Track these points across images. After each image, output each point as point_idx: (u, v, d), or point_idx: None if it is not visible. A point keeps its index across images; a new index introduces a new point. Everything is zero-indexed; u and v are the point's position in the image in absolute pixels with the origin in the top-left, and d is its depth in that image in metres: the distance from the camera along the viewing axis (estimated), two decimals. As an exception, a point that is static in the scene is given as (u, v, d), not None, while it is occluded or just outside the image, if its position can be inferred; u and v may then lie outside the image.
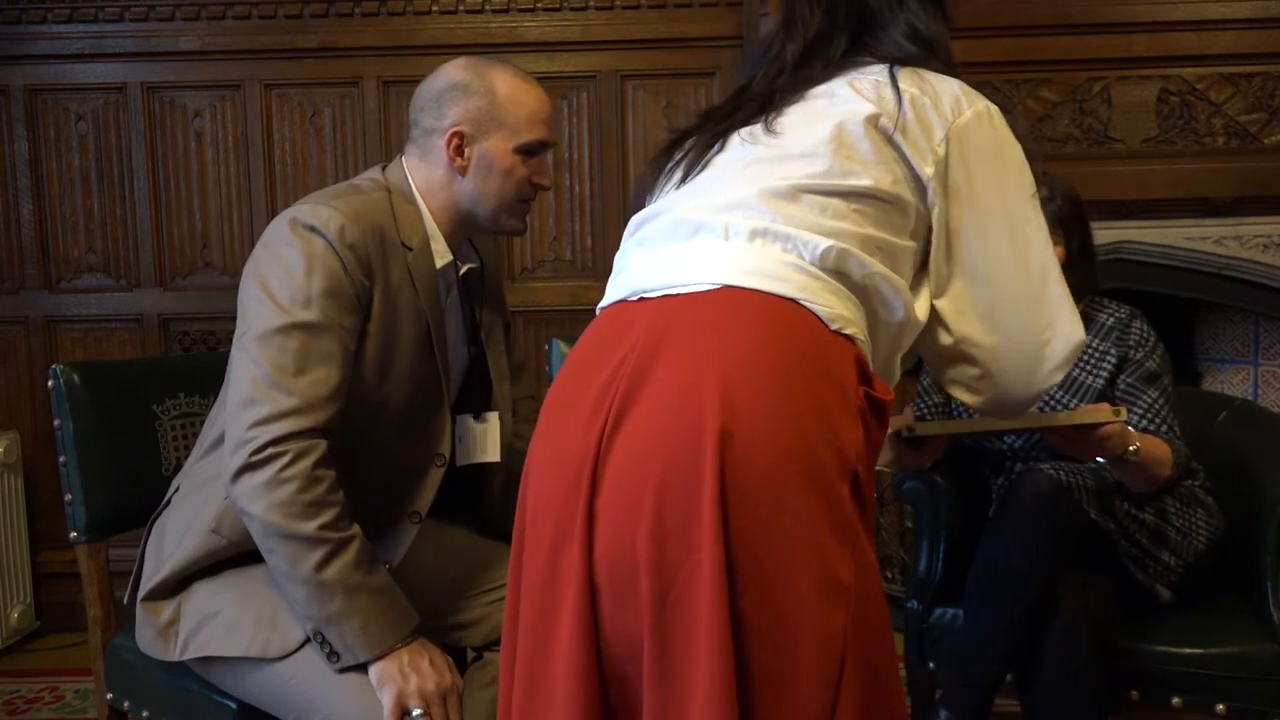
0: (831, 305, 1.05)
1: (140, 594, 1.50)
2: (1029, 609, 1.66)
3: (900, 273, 1.12)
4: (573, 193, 3.08)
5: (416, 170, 1.54)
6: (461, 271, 1.59)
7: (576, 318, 3.03)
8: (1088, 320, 1.96)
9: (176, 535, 1.48)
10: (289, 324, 1.36)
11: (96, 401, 1.67)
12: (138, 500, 1.66)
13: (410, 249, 1.48)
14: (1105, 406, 1.60)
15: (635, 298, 1.09)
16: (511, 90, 1.51)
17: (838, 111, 1.12)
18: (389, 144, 3.02)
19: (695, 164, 1.17)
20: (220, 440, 1.43)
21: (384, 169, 1.56)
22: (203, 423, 1.60)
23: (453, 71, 1.52)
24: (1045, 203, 1.85)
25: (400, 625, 1.37)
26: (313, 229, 1.40)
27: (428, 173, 1.53)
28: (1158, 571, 1.80)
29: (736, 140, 1.16)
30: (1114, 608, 1.74)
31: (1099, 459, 1.71)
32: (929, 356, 1.23)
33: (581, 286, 3.06)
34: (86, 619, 1.69)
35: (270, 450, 1.32)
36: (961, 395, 1.23)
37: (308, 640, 1.37)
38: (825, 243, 1.06)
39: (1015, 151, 1.16)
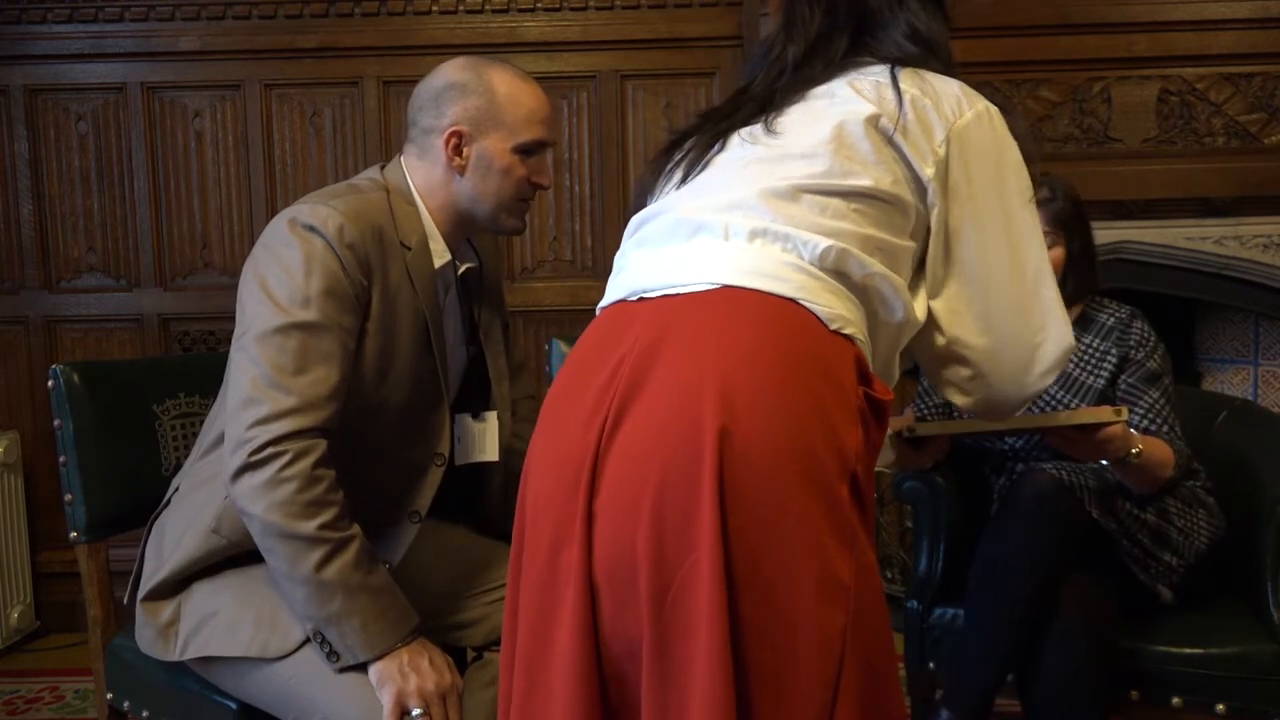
0: (831, 305, 1.05)
1: (140, 594, 1.50)
2: (1029, 609, 1.66)
3: (900, 273, 1.12)
4: (573, 193, 3.08)
5: (415, 170, 1.54)
6: (460, 271, 1.59)
7: (576, 318, 3.03)
8: (1088, 320, 1.96)
9: (176, 535, 1.48)
10: (288, 324, 1.36)
11: (96, 401, 1.67)
12: (138, 500, 1.66)
13: (409, 248, 1.48)
14: (1107, 407, 1.60)
15: (635, 298, 1.09)
16: (510, 90, 1.51)
17: (838, 112, 1.12)
18: (389, 144, 3.02)
19: (695, 164, 1.17)
20: (220, 440, 1.43)
21: (383, 169, 1.56)
22: (203, 423, 1.60)
23: (451, 71, 1.52)
24: (1046, 203, 1.87)
25: (400, 625, 1.37)
26: (311, 229, 1.40)
27: (426, 172, 1.53)
28: (1159, 572, 1.80)
29: (737, 140, 1.16)
30: (1115, 608, 1.74)
31: (1102, 461, 1.71)
32: (922, 357, 1.23)
33: (581, 286, 3.06)
34: (86, 619, 1.69)
35: (270, 450, 1.32)
36: (954, 396, 1.23)
37: (307, 640, 1.37)
38: (825, 243, 1.06)
39: (1014, 153, 1.17)
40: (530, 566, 1.05)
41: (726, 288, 1.04)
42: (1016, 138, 1.17)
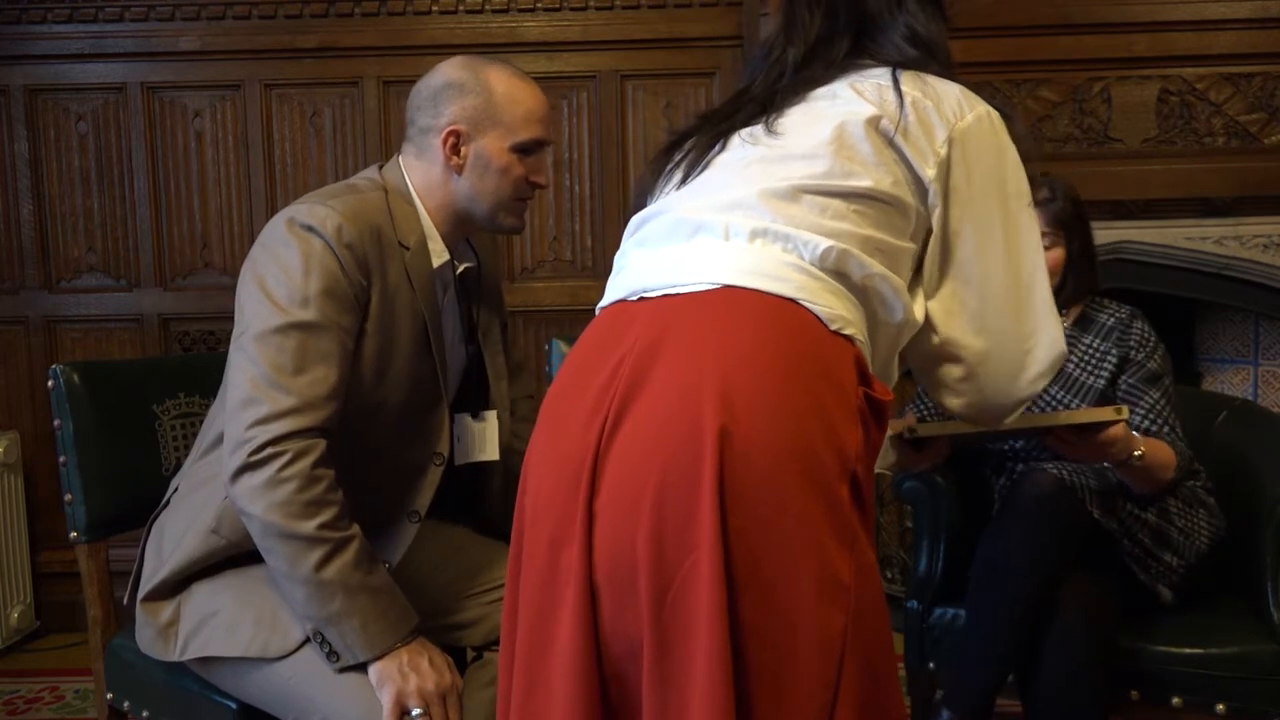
0: (831, 305, 1.05)
1: (140, 594, 1.50)
2: (1030, 609, 1.66)
3: (899, 274, 1.12)
4: (573, 193, 3.08)
5: (413, 169, 1.54)
6: (459, 271, 1.59)
7: (576, 318, 3.03)
8: (1088, 320, 1.96)
9: (176, 535, 1.48)
10: (287, 324, 1.36)
11: (96, 401, 1.66)
12: (138, 500, 1.66)
13: (407, 248, 1.48)
14: (1108, 407, 1.60)
15: (635, 297, 1.09)
16: (508, 89, 1.51)
17: (839, 113, 1.12)
18: (389, 144, 3.02)
19: (696, 164, 1.17)
20: (219, 440, 1.43)
21: (381, 168, 1.56)
22: (202, 423, 1.60)
23: (449, 70, 1.52)
24: (1046, 203, 1.87)
25: (400, 625, 1.37)
26: (310, 229, 1.40)
27: (424, 172, 1.53)
28: (1160, 572, 1.80)
29: (737, 141, 1.16)
30: (1115, 607, 1.74)
31: (1104, 463, 1.71)
32: (915, 357, 1.23)
33: (581, 286, 3.06)
34: (86, 619, 1.69)
35: (269, 450, 1.32)
36: (945, 398, 1.23)
37: (307, 640, 1.37)
38: (825, 243, 1.06)
39: (1014, 157, 1.17)
40: (530, 566, 1.05)
41: (727, 287, 1.04)
42: (1016, 140, 1.18)
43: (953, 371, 1.20)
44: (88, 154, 3.07)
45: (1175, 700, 1.72)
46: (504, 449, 1.64)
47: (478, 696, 1.52)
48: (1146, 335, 1.91)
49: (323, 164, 3.06)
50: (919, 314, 1.16)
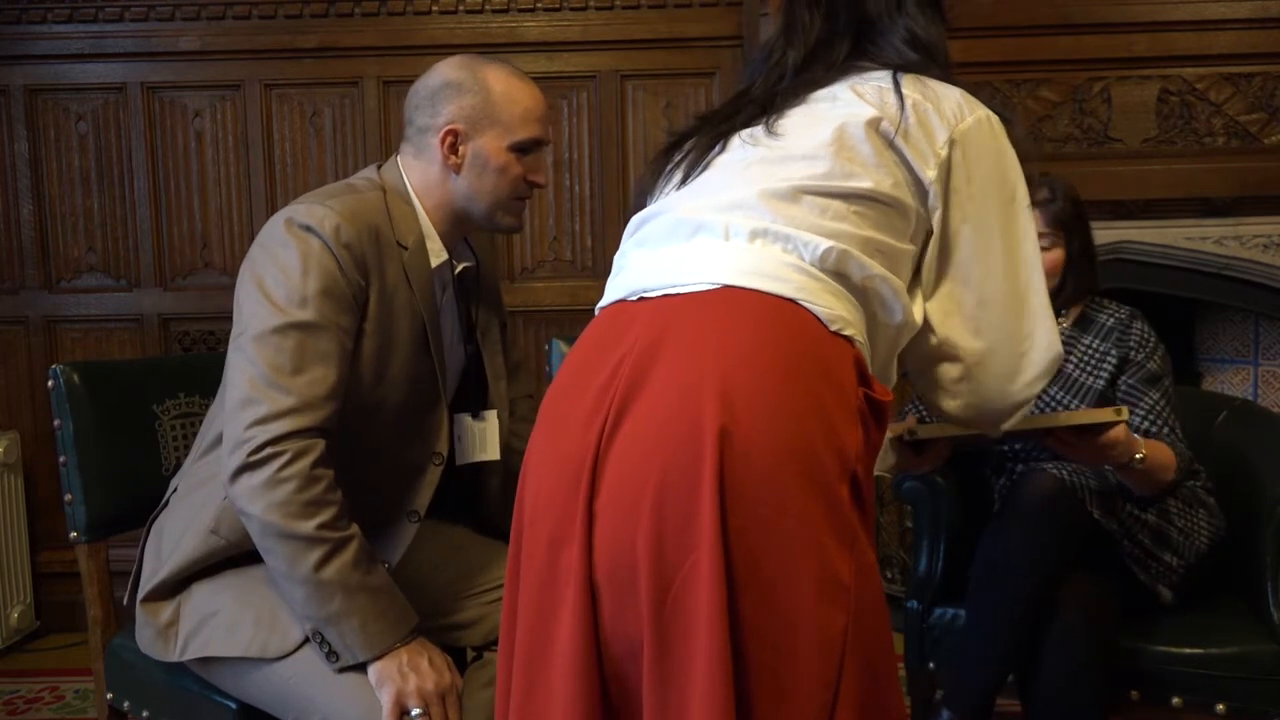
0: (831, 306, 1.05)
1: (140, 595, 1.50)
2: (1030, 609, 1.65)
3: (899, 275, 1.12)
4: (573, 193, 3.08)
5: (412, 169, 1.54)
6: (457, 270, 1.59)
7: (576, 318, 3.03)
8: (1087, 321, 1.96)
9: (175, 536, 1.48)
10: (285, 324, 1.36)
11: (96, 401, 1.67)
12: (137, 500, 1.66)
13: (406, 248, 1.48)
14: (1108, 409, 1.59)
15: (635, 297, 1.09)
16: (506, 88, 1.51)
17: (839, 114, 1.12)
18: (389, 144, 3.02)
19: (696, 165, 1.17)
20: (218, 440, 1.43)
21: (379, 168, 1.56)
22: (202, 423, 1.60)
23: (447, 70, 1.52)
24: (1045, 204, 1.87)
25: (399, 625, 1.37)
26: (308, 229, 1.40)
27: (423, 171, 1.53)
28: (1160, 572, 1.80)
29: (737, 141, 1.16)
30: (1115, 608, 1.74)
31: (1105, 466, 1.71)
32: (912, 358, 1.23)
33: (581, 286, 3.06)
34: (86, 619, 1.69)
35: (268, 450, 1.32)
36: (942, 400, 1.23)
37: (307, 640, 1.37)
38: (825, 244, 1.06)
39: (1012, 161, 1.17)
40: (529, 566, 1.05)
41: (727, 288, 1.04)
42: (1014, 141, 1.18)
43: (950, 372, 1.20)
44: (88, 154, 3.07)
45: (1175, 700, 1.72)
46: (503, 448, 1.64)
47: (477, 696, 1.52)
48: (1146, 336, 1.91)
49: (323, 164, 3.06)
50: (918, 316, 1.16)
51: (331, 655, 1.35)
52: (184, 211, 3.08)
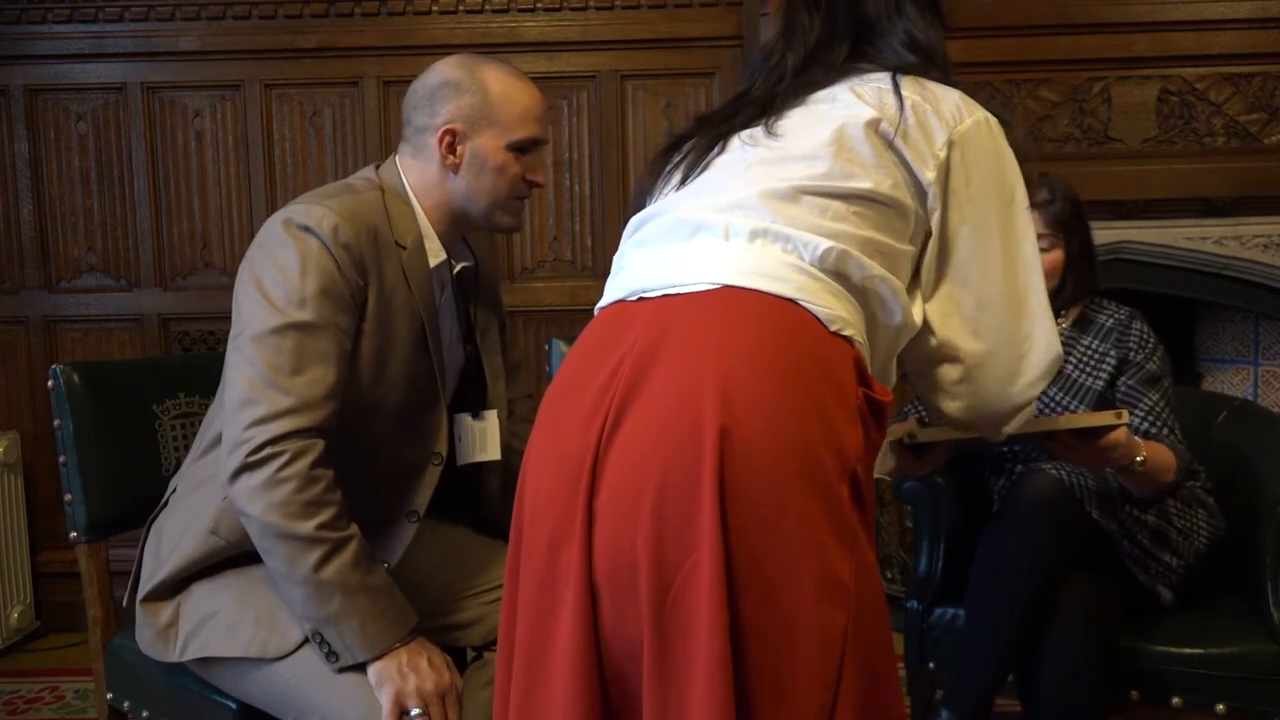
0: (831, 306, 1.05)
1: (139, 595, 1.50)
2: (1029, 609, 1.65)
3: (898, 276, 1.12)
4: (573, 193, 3.08)
5: (410, 169, 1.54)
6: (456, 270, 1.59)
7: (576, 318, 3.03)
8: (1087, 322, 1.96)
9: (174, 536, 1.48)
10: (284, 324, 1.36)
11: (96, 401, 1.66)
12: (137, 500, 1.66)
13: (404, 248, 1.48)
14: (1108, 412, 1.59)
15: (634, 298, 1.09)
16: (504, 88, 1.51)
17: (839, 115, 1.12)
18: (389, 144, 3.02)
19: (695, 165, 1.17)
20: (217, 441, 1.43)
21: (378, 168, 1.56)
22: (202, 423, 1.60)
23: (445, 69, 1.52)
24: (1045, 205, 1.87)
25: (399, 625, 1.37)
26: (307, 229, 1.40)
27: (421, 171, 1.53)
28: (1159, 572, 1.80)
29: (737, 142, 1.16)
30: (1115, 608, 1.74)
31: (1106, 469, 1.70)
32: (912, 359, 1.23)
33: (581, 286, 3.06)
34: (86, 619, 1.69)
35: (268, 450, 1.32)
36: (942, 402, 1.23)
37: (306, 640, 1.37)
38: (825, 244, 1.06)
39: (1011, 163, 1.18)
40: (529, 566, 1.05)
41: (727, 288, 1.04)
42: (1013, 144, 1.18)
43: (949, 374, 1.20)
44: (88, 154, 3.07)
45: (1175, 700, 1.72)
46: (503, 448, 1.64)
47: (477, 696, 1.52)
48: (1146, 336, 1.91)
49: (323, 164, 3.06)
50: (917, 317, 1.16)
51: (331, 655, 1.35)
52: (184, 211, 3.08)
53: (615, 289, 1.14)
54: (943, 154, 1.12)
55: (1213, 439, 2.02)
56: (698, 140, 1.20)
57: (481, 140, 1.50)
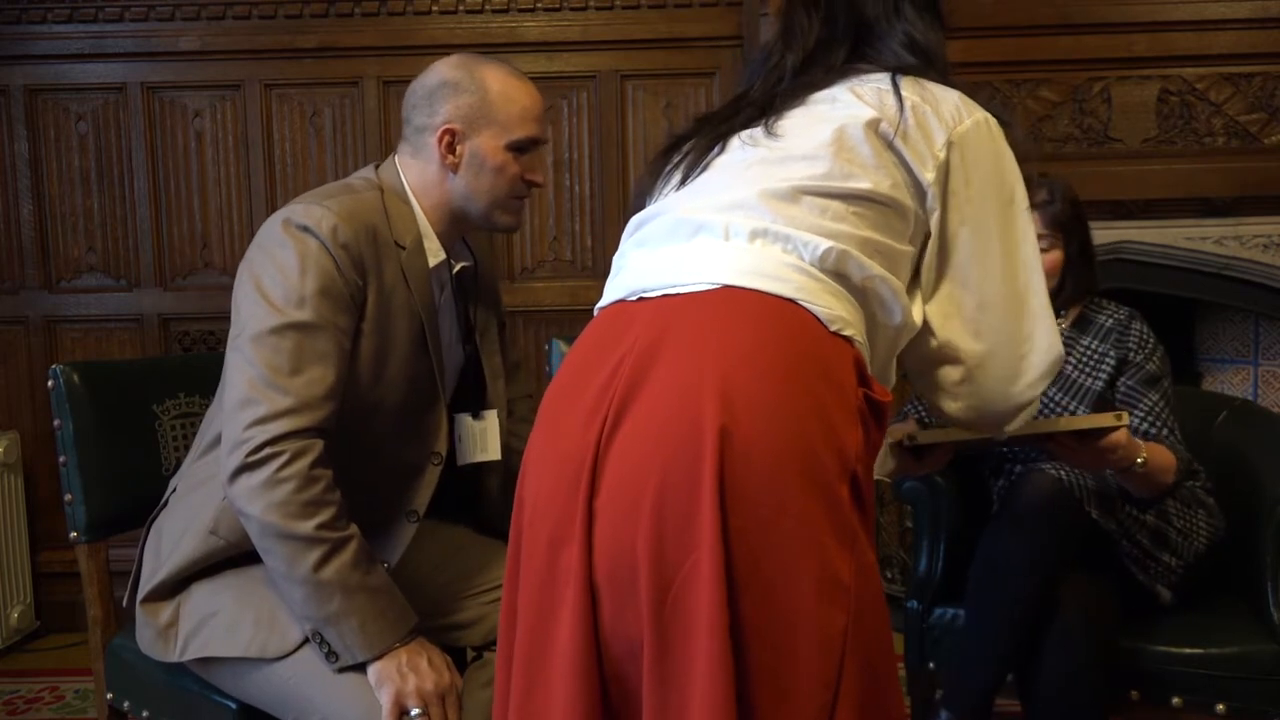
0: (831, 306, 1.05)
1: (139, 595, 1.50)
2: (1029, 609, 1.65)
3: (898, 276, 1.12)
4: (573, 193, 3.08)
5: (409, 168, 1.53)
6: (455, 270, 1.59)
7: (576, 318, 3.03)
8: (1086, 322, 1.96)
9: (174, 536, 1.48)
10: (283, 324, 1.36)
11: (96, 401, 1.66)
12: (137, 500, 1.66)
13: (403, 248, 1.48)
14: (1108, 413, 1.58)
15: (634, 298, 1.09)
16: (503, 87, 1.51)
17: (839, 115, 1.12)
18: (389, 144, 3.02)
19: (695, 165, 1.17)
20: (217, 441, 1.43)
21: (377, 168, 1.56)
22: (201, 423, 1.60)
23: (444, 69, 1.52)
24: (1044, 206, 1.87)
25: (399, 625, 1.37)
26: (306, 229, 1.40)
27: (420, 171, 1.53)
28: (1158, 572, 1.80)
29: (736, 142, 1.16)
30: (1115, 608, 1.74)
31: (1107, 471, 1.70)
32: (912, 360, 1.23)
33: (581, 286, 3.06)
34: (86, 619, 1.69)
35: (267, 450, 1.32)
36: (943, 402, 1.23)
37: (306, 640, 1.37)
38: (825, 244, 1.06)
39: (1011, 163, 1.18)
40: (528, 566, 1.05)
41: (727, 288, 1.04)
42: (1013, 145, 1.18)
43: (950, 375, 1.20)
44: (88, 154, 3.07)
45: (1175, 700, 1.72)
46: (503, 448, 1.64)
47: (477, 696, 1.52)
48: (1145, 337, 1.91)
49: (323, 164, 3.06)
50: (917, 317, 1.16)
51: (331, 655, 1.35)
52: (184, 211, 3.08)
53: (615, 289, 1.14)
54: (942, 155, 1.12)
55: (1213, 439, 2.02)
56: (697, 141, 1.20)
57: (480, 140, 1.50)
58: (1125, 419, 1.52)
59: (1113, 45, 2.68)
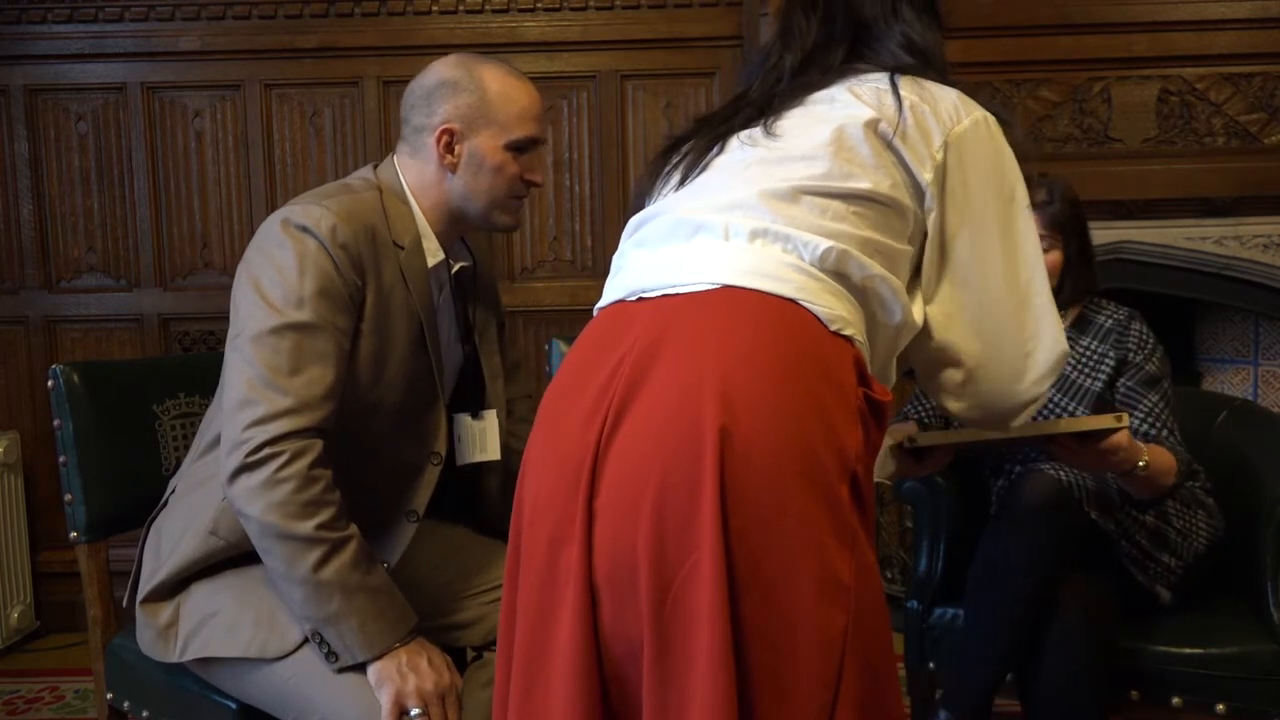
0: (831, 306, 1.05)
1: (139, 595, 1.50)
2: (1029, 609, 1.65)
3: (898, 276, 1.12)
4: (573, 193, 3.08)
5: (408, 168, 1.53)
6: (454, 270, 1.59)
7: (576, 318, 3.03)
8: (1086, 322, 1.96)
9: (174, 537, 1.48)
10: (282, 324, 1.36)
11: (96, 401, 1.67)
12: (137, 500, 1.66)
13: (402, 248, 1.48)
14: (1108, 415, 1.58)
15: (634, 298, 1.09)
16: (502, 87, 1.51)
17: (838, 115, 1.12)
18: (388, 144, 3.02)
19: (694, 166, 1.17)
20: (216, 441, 1.43)
21: (376, 168, 1.56)
22: (201, 423, 1.60)
23: (443, 69, 1.52)
24: (1043, 206, 1.87)
25: (398, 625, 1.37)
26: (305, 229, 1.40)
27: (419, 171, 1.53)
28: (1158, 572, 1.80)
29: (736, 143, 1.16)
30: (1115, 608, 1.74)
31: (1108, 472, 1.70)
32: (916, 361, 1.23)
33: (581, 286, 3.06)
34: (86, 619, 1.69)
35: (267, 450, 1.32)
36: (947, 402, 1.23)
37: (306, 640, 1.37)
38: (825, 244, 1.06)
39: (1010, 161, 1.17)
40: (528, 566, 1.05)
41: (727, 288, 1.04)
42: (1013, 144, 1.18)
43: (953, 375, 1.20)
44: (88, 154, 3.07)
45: (1175, 700, 1.72)
46: (502, 448, 1.64)
47: (477, 696, 1.52)
48: (1145, 337, 1.91)
49: (323, 164, 3.06)
50: (917, 317, 1.16)
51: (331, 655, 1.35)
52: (184, 211, 3.08)
53: (615, 289, 1.14)
54: (939, 156, 1.12)
55: (1213, 439, 2.02)
56: (696, 141, 1.20)
57: (479, 140, 1.50)
58: (1125, 420, 1.51)
59: (1113, 45, 2.68)
